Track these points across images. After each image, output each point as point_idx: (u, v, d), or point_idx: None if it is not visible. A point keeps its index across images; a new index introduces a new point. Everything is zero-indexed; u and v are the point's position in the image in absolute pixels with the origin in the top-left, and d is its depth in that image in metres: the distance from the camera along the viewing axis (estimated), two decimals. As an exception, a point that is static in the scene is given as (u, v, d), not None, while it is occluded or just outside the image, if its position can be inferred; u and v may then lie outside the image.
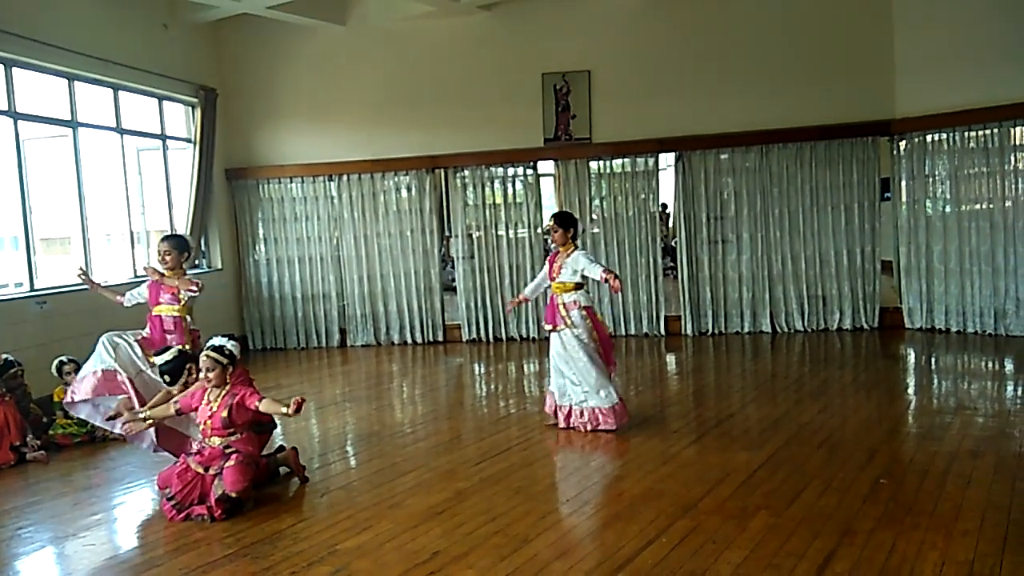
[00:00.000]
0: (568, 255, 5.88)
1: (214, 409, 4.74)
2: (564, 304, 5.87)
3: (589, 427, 5.84)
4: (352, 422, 6.82)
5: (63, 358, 6.60)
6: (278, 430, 5.76)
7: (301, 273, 10.60)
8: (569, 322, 5.83)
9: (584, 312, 5.86)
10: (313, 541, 4.16)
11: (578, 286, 5.89)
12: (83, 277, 5.93)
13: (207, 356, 4.77)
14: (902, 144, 9.30)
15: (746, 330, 9.77)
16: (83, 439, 6.31)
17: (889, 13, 9.22)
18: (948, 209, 9.05)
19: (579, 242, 6.04)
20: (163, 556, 4.10)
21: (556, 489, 4.78)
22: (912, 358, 8.50)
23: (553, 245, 6.06)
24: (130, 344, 5.50)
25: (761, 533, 3.95)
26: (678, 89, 9.65)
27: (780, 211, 9.63)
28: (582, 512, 4.35)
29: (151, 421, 4.95)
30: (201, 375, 4.82)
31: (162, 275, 5.64)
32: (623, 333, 10.00)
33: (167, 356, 5.22)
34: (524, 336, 10.19)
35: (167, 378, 5.20)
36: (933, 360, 8.27)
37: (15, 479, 5.60)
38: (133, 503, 5.09)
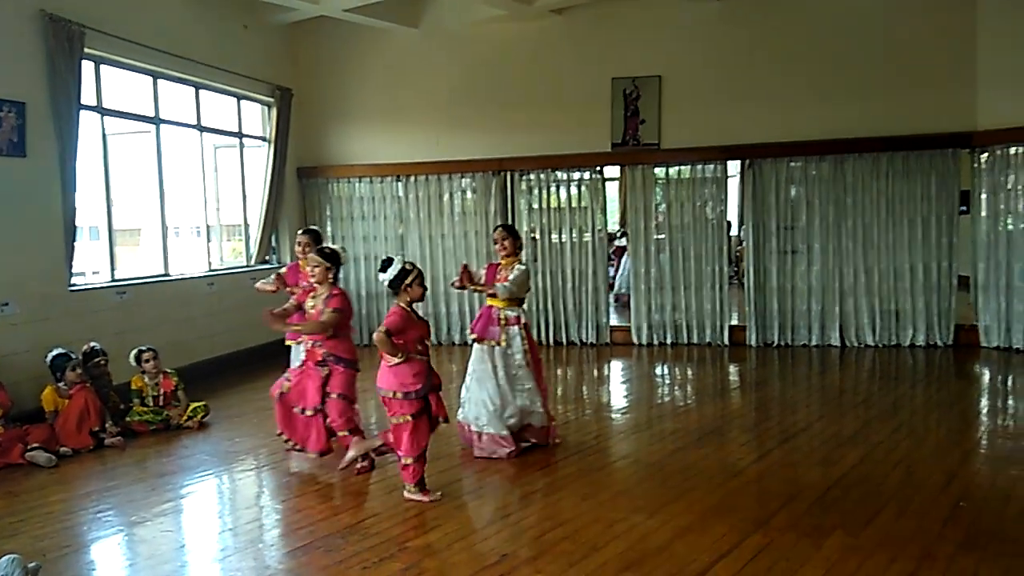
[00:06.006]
0: (512, 267, 5.65)
1: (318, 307, 5.30)
2: (505, 318, 5.62)
3: (485, 454, 5.56)
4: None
5: (141, 347, 6.80)
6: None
7: (367, 271, 10.73)
8: (504, 339, 5.62)
9: (522, 329, 5.64)
10: (383, 537, 4.21)
11: (520, 301, 5.69)
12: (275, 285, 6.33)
13: (313, 256, 5.38)
14: (983, 157, 8.96)
15: (814, 343, 9.56)
16: (158, 427, 6.51)
17: (972, 23, 8.90)
18: (1030, 225, 8.70)
19: (523, 255, 5.72)
20: (238, 545, 4.20)
21: (623, 497, 4.72)
22: (988, 378, 8.20)
23: (498, 255, 5.71)
24: None
25: (837, 553, 3.85)
26: (750, 96, 9.48)
27: (853, 222, 9.39)
28: (651, 522, 4.29)
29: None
30: (308, 270, 5.56)
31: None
32: (686, 342, 9.90)
33: (391, 271, 4.90)
34: (584, 341, 10.14)
35: (390, 290, 4.95)
36: (1010, 381, 7.97)
37: (94, 463, 5.80)
38: (205, 491, 5.23)
